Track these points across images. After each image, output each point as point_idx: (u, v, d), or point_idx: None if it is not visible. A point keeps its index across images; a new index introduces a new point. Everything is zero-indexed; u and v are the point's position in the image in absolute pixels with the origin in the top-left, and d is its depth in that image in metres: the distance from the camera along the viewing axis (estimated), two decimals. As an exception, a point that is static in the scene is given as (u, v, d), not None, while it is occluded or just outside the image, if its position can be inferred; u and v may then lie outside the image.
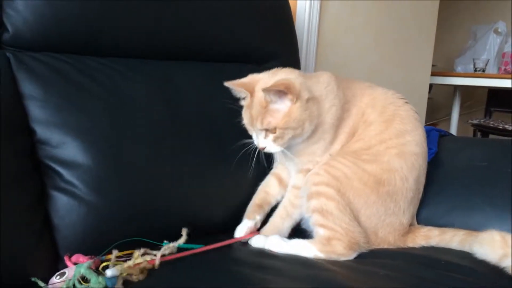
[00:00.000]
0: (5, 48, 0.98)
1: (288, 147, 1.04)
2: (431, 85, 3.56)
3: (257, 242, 1.02)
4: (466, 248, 1.00)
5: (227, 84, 1.03)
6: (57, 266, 0.88)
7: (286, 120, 0.97)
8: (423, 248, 1.03)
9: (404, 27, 2.38)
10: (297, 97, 0.97)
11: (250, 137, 1.08)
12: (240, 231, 1.07)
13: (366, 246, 1.00)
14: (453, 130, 3.43)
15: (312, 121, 1.01)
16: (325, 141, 1.06)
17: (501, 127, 3.13)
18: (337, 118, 1.06)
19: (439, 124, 4.19)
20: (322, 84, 1.06)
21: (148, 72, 1.12)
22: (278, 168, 1.18)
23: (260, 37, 1.37)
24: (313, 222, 1.00)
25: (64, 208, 0.90)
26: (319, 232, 0.99)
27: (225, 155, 1.14)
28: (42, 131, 0.92)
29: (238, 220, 1.10)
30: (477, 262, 0.94)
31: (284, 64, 1.12)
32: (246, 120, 1.04)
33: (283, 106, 0.97)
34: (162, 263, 0.85)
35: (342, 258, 0.97)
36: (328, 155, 1.07)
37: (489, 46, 3.22)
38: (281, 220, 1.08)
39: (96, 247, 0.91)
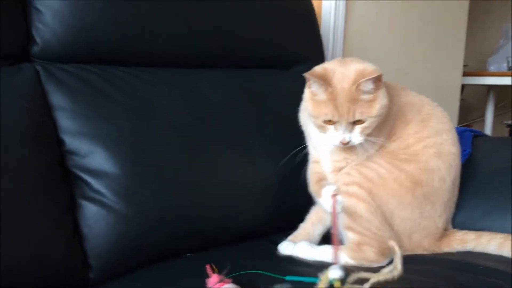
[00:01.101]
0: (35, 60, 1.00)
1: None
2: (463, 86, 3.47)
3: (285, 249, 1.01)
4: (504, 252, 0.96)
5: (305, 74, 0.94)
6: (87, 275, 0.89)
7: (378, 107, 0.92)
8: (459, 253, 1.00)
9: (432, 27, 2.32)
10: (381, 83, 0.94)
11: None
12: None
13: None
14: (488, 131, 3.32)
15: (388, 107, 0.97)
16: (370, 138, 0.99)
17: (538, 127, 3.02)
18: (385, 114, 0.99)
19: (472, 126, 4.08)
20: None
21: (173, 80, 1.13)
22: (315, 167, 1.10)
23: (286, 42, 1.37)
24: (342, 225, 0.98)
25: (93, 217, 0.91)
26: (348, 236, 0.97)
27: (254, 159, 1.14)
28: (70, 141, 0.94)
29: (275, 224, 1.13)
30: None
31: (310, 69, 1.09)
32: (328, 115, 0.93)
33: (370, 94, 0.92)
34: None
35: (375, 265, 0.94)
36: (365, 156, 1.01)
37: (523, 44, 3.11)
38: (312, 226, 1.06)
39: (126, 256, 0.93)
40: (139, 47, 1.10)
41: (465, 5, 2.50)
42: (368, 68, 0.95)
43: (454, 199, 1.07)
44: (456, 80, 2.59)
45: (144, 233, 0.94)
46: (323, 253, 0.96)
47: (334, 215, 0.95)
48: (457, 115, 2.66)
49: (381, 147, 1.02)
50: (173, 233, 0.98)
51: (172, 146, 1.03)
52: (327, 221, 1.05)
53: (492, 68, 3.23)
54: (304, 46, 1.43)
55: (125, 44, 1.08)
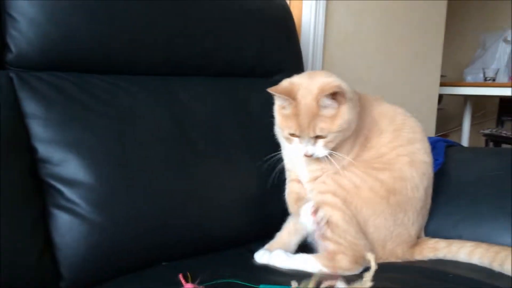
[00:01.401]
0: (9, 68, 0.99)
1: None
2: (441, 96, 3.53)
3: (261, 257, 1.01)
4: (474, 260, 0.98)
5: (269, 90, 0.97)
6: (58, 285, 0.88)
7: (340, 123, 0.95)
8: (431, 261, 1.01)
9: (411, 37, 2.36)
10: (345, 98, 0.95)
11: (274, 150, 1.07)
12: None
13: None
14: (465, 140, 3.39)
15: (355, 121, 0.99)
16: (342, 149, 1.01)
17: (513, 137, 3.09)
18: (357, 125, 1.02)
19: (450, 135, 4.15)
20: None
21: (153, 89, 1.12)
22: (292, 186, 1.13)
23: (266, 51, 1.38)
24: (317, 234, 0.98)
25: (65, 226, 0.90)
26: (323, 245, 0.98)
27: (236, 168, 1.15)
28: (43, 149, 0.92)
29: (255, 233, 1.13)
30: (485, 275, 0.92)
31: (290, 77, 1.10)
32: (292, 129, 0.97)
33: (332, 110, 0.95)
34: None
35: (348, 273, 0.95)
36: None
37: (499, 55, 3.18)
38: (289, 236, 1.07)
39: (99, 266, 0.92)
40: (117, 55, 1.10)
41: (443, 15, 2.55)
42: (332, 83, 0.96)
43: (427, 207, 1.09)
44: (433, 90, 2.63)
45: (118, 243, 0.93)
46: (299, 262, 0.97)
47: (318, 230, 0.97)
48: (434, 125, 2.70)
49: (357, 156, 1.04)
50: (148, 242, 0.97)
51: (150, 155, 1.03)
52: (303, 231, 1.05)
53: (468, 79, 3.30)
54: (284, 56, 1.44)
55: (103, 52, 1.07)
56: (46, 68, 1.01)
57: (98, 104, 1.01)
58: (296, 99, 0.95)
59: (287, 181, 1.14)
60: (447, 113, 4.14)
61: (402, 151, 1.04)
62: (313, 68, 1.87)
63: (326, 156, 0.98)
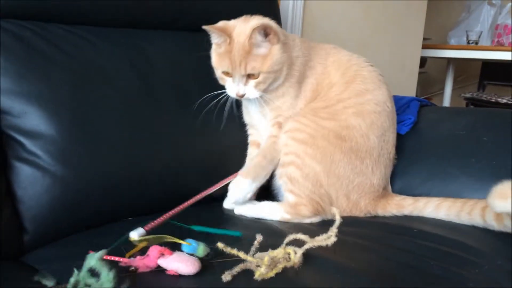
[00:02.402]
0: (-35, 15, 0.94)
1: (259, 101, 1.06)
2: (426, 59, 3.51)
3: (227, 205, 1.07)
4: (440, 214, 1.00)
5: (205, 27, 1.01)
6: (22, 238, 0.87)
7: (270, 64, 1.00)
8: (396, 217, 1.03)
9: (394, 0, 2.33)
10: (278, 38, 1.00)
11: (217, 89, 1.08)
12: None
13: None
14: (446, 103, 3.40)
15: (287, 65, 1.04)
16: (290, 95, 1.08)
17: (493, 101, 3.10)
18: (301, 73, 1.08)
19: (433, 98, 4.16)
20: (289, 35, 1.10)
21: (118, 41, 1.09)
22: (253, 135, 1.19)
23: (236, 5, 1.33)
24: (284, 188, 1.04)
25: (28, 179, 0.88)
26: (288, 197, 1.03)
27: (199, 120, 1.12)
28: (3, 101, 0.89)
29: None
30: (449, 229, 0.93)
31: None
32: (224, 67, 1.02)
33: (264, 50, 1.00)
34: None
35: (307, 220, 1.01)
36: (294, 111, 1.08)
37: (483, 18, 3.15)
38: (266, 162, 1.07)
39: (62, 219, 0.91)
40: (82, 4, 1.05)
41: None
42: (265, 23, 1.00)
43: (390, 156, 1.09)
44: (415, 52, 2.61)
45: (81, 196, 0.92)
46: (263, 208, 1.02)
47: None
48: (415, 87, 2.70)
49: (305, 105, 1.08)
50: (112, 197, 0.97)
51: (113, 108, 1.00)
52: (276, 160, 1.07)
53: (452, 42, 3.28)
54: (257, 11, 1.40)
55: (67, 0, 1.03)
56: (5, 16, 0.97)
57: (61, 55, 0.98)
58: (231, 37, 1.00)
59: (248, 140, 1.20)
60: (431, 77, 4.14)
61: (349, 103, 1.06)
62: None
63: (259, 100, 1.04)
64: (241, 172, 1.05)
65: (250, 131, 1.19)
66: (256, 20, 1.03)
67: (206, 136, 1.14)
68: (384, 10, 2.29)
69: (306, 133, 1.02)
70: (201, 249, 0.72)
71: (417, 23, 2.56)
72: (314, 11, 1.91)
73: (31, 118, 0.90)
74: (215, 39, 1.04)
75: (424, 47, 2.78)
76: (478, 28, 3.11)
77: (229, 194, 1.03)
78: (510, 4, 3.08)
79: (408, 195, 1.08)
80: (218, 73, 1.05)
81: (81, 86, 0.97)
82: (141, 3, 1.14)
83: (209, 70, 1.17)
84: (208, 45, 1.26)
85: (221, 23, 1.04)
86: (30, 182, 0.88)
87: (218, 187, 1.04)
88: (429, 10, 2.63)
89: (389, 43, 2.38)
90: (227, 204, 1.07)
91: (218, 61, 1.04)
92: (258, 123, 1.15)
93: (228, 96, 1.06)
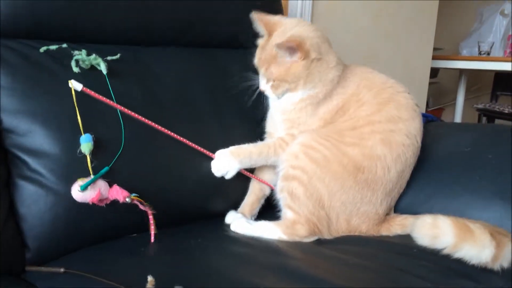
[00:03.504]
0: (-27, 36, 0.97)
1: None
2: (438, 69, 3.49)
3: (227, 221, 1.07)
4: None
5: (254, 14, 1.06)
6: (23, 255, 0.89)
7: (285, 74, 1.02)
8: (397, 236, 1.02)
9: (405, 9, 2.32)
10: (304, 55, 1.00)
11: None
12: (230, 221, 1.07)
13: (332, 233, 1.00)
14: (458, 114, 3.37)
15: (308, 82, 1.03)
16: (307, 113, 1.07)
17: (506, 112, 3.06)
18: (327, 95, 1.07)
19: (445, 109, 4.13)
20: (332, 55, 1.07)
21: (123, 58, 1.09)
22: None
23: (246, 20, 1.34)
24: (283, 203, 1.03)
25: (31, 197, 0.89)
26: (286, 213, 1.01)
27: (208, 139, 1.12)
28: (8, 120, 0.91)
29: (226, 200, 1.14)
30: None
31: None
32: (256, 60, 1.08)
33: (288, 60, 1.01)
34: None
35: (305, 240, 0.99)
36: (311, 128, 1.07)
37: (495, 28, 3.13)
38: (258, 155, 1.08)
39: (65, 237, 0.92)
40: (88, 23, 1.07)
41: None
42: (297, 37, 1.00)
43: (400, 190, 1.08)
44: (426, 63, 2.60)
45: (84, 214, 0.92)
46: (260, 229, 1.01)
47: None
48: (425, 98, 2.68)
49: (327, 123, 1.07)
50: (116, 214, 0.97)
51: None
52: (271, 160, 1.09)
53: (464, 52, 3.26)
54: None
55: (73, 19, 1.05)
56: (13, 36, 0.99)
57: (67, 72, 0.99)
58: (271, 35, 1.04)
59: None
60: (443, 87, 4.11)
61: (379, 128, 1.02)
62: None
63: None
64: (232, 149, 1.07)
65: (267, 140, 1.17)
66: (301, 29, 1.04)
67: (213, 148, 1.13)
68: (394, 20, 2.28)
69: (322, 154, 1.00)
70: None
71: (427, 32, 2.54)
72: (322, 19, 1.91)
73: (36, 137, 0.91)
74: (258, 29, 1.09)
75: (435, 58, 2.77)
76: (490, 39, 3.08)
77: (213, 162, 1.07)
78: (523, 14, 3.05)
79: (412, 211, 1.08)
80: (255, 61, 1.09)
81: (87, 104, 0.98)
82: (147, 20, 1.16)
83: (218, 85, 1.19)
84: (218, 59, 1.28)
85: (275, 17, 1.08)
86: (34, 200, 0.89)
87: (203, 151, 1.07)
88: (441, 19, 2.61)
89: (400, 53, 2.37)
90: (227, 220, 1.09)
91: (256, 51, 1.08)
92: (275, 131, 1.15)
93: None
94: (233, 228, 1.02)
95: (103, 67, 0.99)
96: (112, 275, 0.76)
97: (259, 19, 1.05)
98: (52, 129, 0.93)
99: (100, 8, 1.08)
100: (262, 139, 1.18)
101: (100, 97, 0.97)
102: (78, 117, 0.93)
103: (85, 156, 0.91)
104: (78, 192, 0.88)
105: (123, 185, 0.94)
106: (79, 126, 0.95)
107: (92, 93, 0.96)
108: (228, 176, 1.07)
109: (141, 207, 0.94)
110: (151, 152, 1.05)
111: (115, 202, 0.94)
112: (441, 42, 2.88)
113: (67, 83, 0.97)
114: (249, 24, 1.33)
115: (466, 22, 3.61)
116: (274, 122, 1.14)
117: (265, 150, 1.08)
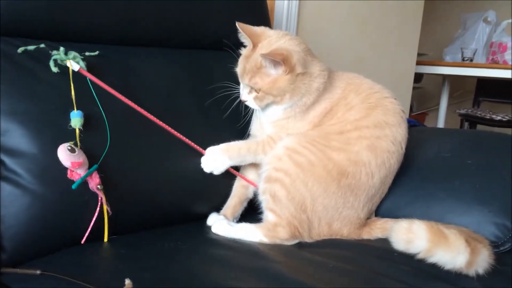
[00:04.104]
0: (-49, 33, 0.95)
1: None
2: (422, 74, 3.53)
3: (209, 223, 1.07)
4: None
5: (238, 25, 1.05)
6: (0, 256, 0.87)
7: (270, 87, 1.01)
8: (378, 240, 1.02)
9: (390, 15, 2.34)
10: (290, 69, 0.99)
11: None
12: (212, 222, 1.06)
13: (313, 236, 1.00)
14: (441, 120, 3.40)
15: (295, 95, 1.03)
16: (296, 118, 1.08)
17: (488, 117, 3.11)
18: (314, 102, 1.07)
19: (429, 114, 4.17)
20: (317, 65, 1.07)
21: (108, 58, 1.08)
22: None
23: (232, 24, 1.34)
24: (265, 205, 1.03)
25: (8, 197, 0.87)
26: (268, 216, 1.01)
27: (196, 140, 1.11)
28: (-14, 119, 0.89)
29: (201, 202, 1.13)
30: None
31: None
32: (238, 69, 1.08)
33: (274, 72, 1.01)
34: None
35: (286, 243, 0.99)
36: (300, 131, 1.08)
37: (478, 35, 3.17)
38: (247, 151, 1.09)
39: (42, 238, 0.90)
40: (71, 21, 1.06)
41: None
42: (283, 50, 0.99)
43: (382, 195, 1.09)
44: (410, 68, 2.63)
45: (61, 215, 0.91)
46: (240, 231, 1.00)
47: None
48: (409, 103, 2.70)
49: (318, 125, 1.07)
50: (93, 215, 0.96)
51: (100, 126, 1.00)
52: (258, 158, 1.10)
53: (448, 58, 3.29)
54: (247, 13, 1.39)
55: (56, 18, 1.03)
56: (-5, 34, 0.98)
57: (49, 72, 0.97)
58: (256, 46, 1.04)
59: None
60: (427, 92, 4.16)
61: (366, 133, 1.02)
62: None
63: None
64: (222, 146, 1.08)
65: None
66: (287, 42, 1.04)
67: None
68: (379, 26, 2.30)
69: (307, 158, 1.00)
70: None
71: (411, 38, 2.57)
72: (308, 25, 1.92)
73: (13, 136, 0.90)
74: (242, 39, 1.08)
75: (419, 63, 2.80)
76: (473, 45, 3.13)
77: (203, 158, 1.08)
78: (505, 22, 3.10)
79: (393, 216, 1.08)
80: (236, 70, 1.09)
81: (67, 104, 0.96)
82: (135, 21, 1.15)
83: (206, 88, 1.18)
84: (203, 61, 1.28)
85: (260, 29, 1.08)
86: (10, 201, 0.87)
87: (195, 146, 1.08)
88: (425, 25, 2.64)
89: (385, 59, 2.39)
90: (209, 222, 1.09)
91: (239, 61, 1.08)
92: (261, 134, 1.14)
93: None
94: (214, 230, 1.02)
95: (82, 65, 0.98)
96: (89, 277, 0.75)
97: (243, 29, 1.05)
98: (30, 128, 0.91)
99: (86, 7, 1.06)
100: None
101: (98, 81, 0.99)
102: (73, 94, 0.95)
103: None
104: (68, 152, 0.88)
105: (105, 182, 0.94)
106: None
107: (89, 75, 0.98)
108: (217, 172, 1.08)
109: (103, 201, 0.93)
110: (136, 153, 1.04)
111: (89, 202, 0.93)
112: (425, 47, 2.91)
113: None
114: (231, 29, 1.34)
115: (450, 29, 3.65)
116: (261, 125, 1.13)
117: (253, 146, 1.09)
